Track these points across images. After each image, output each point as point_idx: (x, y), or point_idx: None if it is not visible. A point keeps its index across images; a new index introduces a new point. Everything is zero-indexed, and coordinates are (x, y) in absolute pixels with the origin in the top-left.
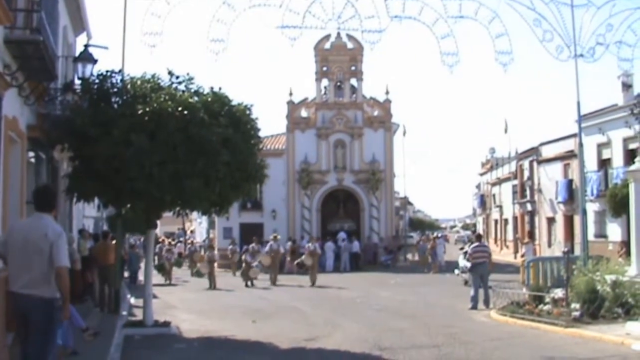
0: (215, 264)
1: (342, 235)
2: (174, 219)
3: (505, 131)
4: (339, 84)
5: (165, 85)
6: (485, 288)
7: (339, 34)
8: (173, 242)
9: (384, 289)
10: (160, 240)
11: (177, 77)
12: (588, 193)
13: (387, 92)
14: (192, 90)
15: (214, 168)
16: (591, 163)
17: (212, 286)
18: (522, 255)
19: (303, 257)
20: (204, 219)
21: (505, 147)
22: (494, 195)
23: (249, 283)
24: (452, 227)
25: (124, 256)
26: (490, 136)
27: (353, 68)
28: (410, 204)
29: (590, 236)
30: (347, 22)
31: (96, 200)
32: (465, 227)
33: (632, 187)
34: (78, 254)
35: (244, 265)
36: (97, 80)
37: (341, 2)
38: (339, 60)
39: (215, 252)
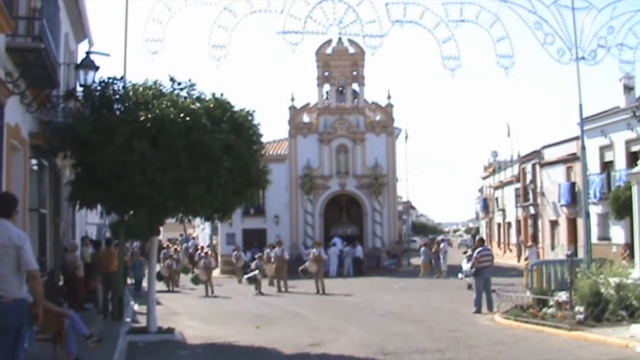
0: (214, 271)
1: (335, 240)
2: (177, 225)
3: (508, 134)
4: (340, 89)
5: (167, 92)
6: (488, 292)
7: (340, 39)
8: (179, 249)
9: (388, 293)
10: (165, 246)
11: (179, 84)
12: (591, 196)
13: (389, 97)
14: (194, 97)
15: (216, 174)
16: (594, 166)
17: (210, 293)
18: (526, 259)
19: (307, 263)
20: (207, 225)
21: (508, 151)
22: (496, 199)
23: (257, 291)
24: (455, 231)
25: (127, 263)
26: (492, 139)
27: (355, 73)
28: (413, 208)
29: (594, 239)
30: (349, 27)
31: (99, 207)
32: (468, 230)
33: (635, 190)
34: (80, 261)
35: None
36: (99, 87)
37: (342, 7)
38: (340, 65)
39: (212, 259)
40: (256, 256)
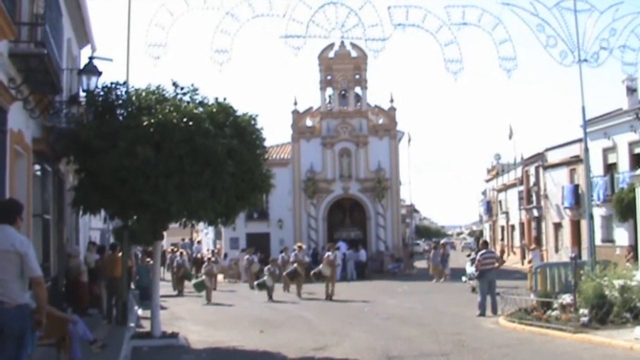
0: (217, 277)
1: (340, 244)
2: (179, 230)
3: (510, 137)
4: (343, 92)
5: (170, 97)
6: (492, 295)
7: (342, 42)
8: (184, 254)
9: (391, 297)
10: (170, 250)
11: (182, 88)
12: (594, 198)
13: (391, 100)
14: (197, 101)
15: (219, 179)
16: (597, 168)
17: (209, 301)
18: (529, 262)
19: (320, 266)
20: (210, 229)
21: (511, 153)
22: (500, 202)
23: (272, 295)
24: (459, 234)
25: (131, 268)
26: (495, 142)
27: (357, 76)
28: (416, 211)
29: (597, 241)
30: (351, 31)
31: (102, 212)
32: (471, 233)
33: (638, 191)
34: (84, 266)
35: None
36: (101, 93)
37: (344, 11)
38: (343, 69)
39: (214, 265)
40: (269, 260)
